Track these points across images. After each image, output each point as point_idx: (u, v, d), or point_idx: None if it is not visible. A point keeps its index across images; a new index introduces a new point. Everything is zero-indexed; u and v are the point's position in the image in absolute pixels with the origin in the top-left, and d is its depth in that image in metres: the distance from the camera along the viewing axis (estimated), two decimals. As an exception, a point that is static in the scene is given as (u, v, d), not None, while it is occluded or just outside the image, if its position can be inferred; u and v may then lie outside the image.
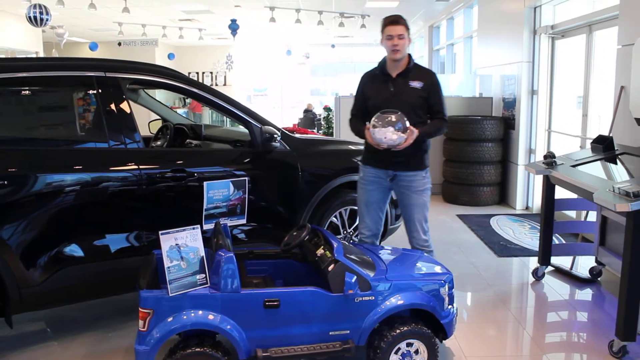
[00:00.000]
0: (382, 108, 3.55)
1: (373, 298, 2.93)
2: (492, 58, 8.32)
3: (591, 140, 4.60)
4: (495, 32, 8.22)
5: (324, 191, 4.27)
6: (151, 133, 5.54)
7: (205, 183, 3.56)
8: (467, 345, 3.54)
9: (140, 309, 2.72)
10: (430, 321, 3.08)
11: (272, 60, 20.18)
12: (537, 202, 7.20)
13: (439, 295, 3.08)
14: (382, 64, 3.80)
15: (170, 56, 18.35)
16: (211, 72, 20.10)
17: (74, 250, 3.44)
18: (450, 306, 3.19)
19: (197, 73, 20.00)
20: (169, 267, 2.69)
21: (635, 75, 4.35)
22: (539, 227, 6.36)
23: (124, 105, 3.63)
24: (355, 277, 2.87)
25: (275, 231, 4.10)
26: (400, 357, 2.98)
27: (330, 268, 2.91)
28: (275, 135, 3.96)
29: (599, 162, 4.31)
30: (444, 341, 3.25)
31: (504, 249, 5.61)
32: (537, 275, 4.71)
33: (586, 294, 4.56)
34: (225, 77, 20.13)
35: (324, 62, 20.99)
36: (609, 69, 5.85)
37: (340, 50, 20.10)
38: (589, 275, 4.71)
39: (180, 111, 14.17)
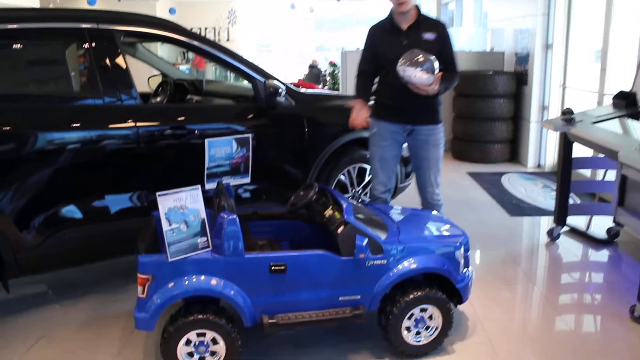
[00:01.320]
0: (397, 62, 3.33)
1: (385, 262, 2.77)
2: (504, 11, 7.99)
3: (612, 97, 4.37)
4: (509, -17, 7.86)
5: (332, 148, 4.08)
6: (151, 89, 5.32)
7: (206, 140, 3.39)
8: (481, 308, 3.41)
9: (138, 275, 2.57)
10: (445, 285, 2.93)
11: (276, 15, 19.68)
12: (549, 160, 7.01)
13: (454, 258, 2.92)
14: (390, 17, 3.62)
15: (172, 11, 17.87)
16: (214, 28, 19.63)
17: (71, 211, 3.29)
18: (465, 269, 3.03)
19: (200, 29, 19.52)
20: (167, 231, 2.52)
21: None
22: (551, 186, 6.24)
23: (119, 60, 3.41)
24: (366, 239, 2.70)
25: (280, 191, 3.94)
26: (414, 323, 2.84)
27: (339, 230, 2.75)
28: (279, 90, 3.75)
29: (620, 119, 4.10)
30: (458, 305, 3.11)
31: (517, 208, 5.44)
32: (552, 235, 4.55)
33: (603, 255, 4.40)
34: (228, 32, 19.65)
35: (329, 16, 20.47)
36: (631, 20, 5.57)
37: (346, 5, 19.57)
38: (605, 236, 4.55)
39: (183, 68, 13.87)
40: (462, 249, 2.98)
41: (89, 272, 3.91)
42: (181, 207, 2.59)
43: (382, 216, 3.16)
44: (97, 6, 16.45)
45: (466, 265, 3.04)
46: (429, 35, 3.51)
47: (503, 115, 7.25)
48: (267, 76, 3.83)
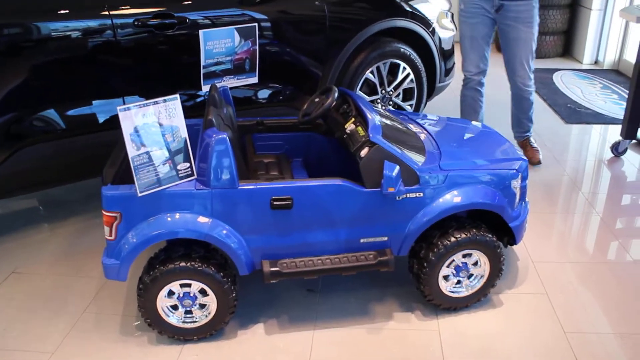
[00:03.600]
0: None
1: (421, 195, 2.14)
2: None
3: None
4: None
5: (358, 40, 3.35)
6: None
7: (201, 32, 2.73)
8: (534, 245, 2.80)
9: (103, 212, 2.00)
10: (495, 222, 2.31)
11: None
12: (609, 56, 6.11)
13: (510, 189, 2.28)
14: None
15: None
16: None
17: (34, 124, 2.70)
18: (521, 203, 2.40)
19: None
20: (134, 157, 1.91)
21: None
22: (612, 87, 5.42)
23: None
24: (397, 167, 2.05)
25: (295, 93, 3.29)
26: (454, 271, 2.26)
27: (363, 153, 2.10)
28: (293, -32, 2.98)
29: None
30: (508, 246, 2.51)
31: (573, 113, 4.68)
32: (618, 150, 3.84)
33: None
34: None
35: None
36: None
37: None
38: (682, 152, 3.83)
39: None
40: (519, 177, 2.33)
41: (76, 186, 3.35)
42: (154, 123, 1.96)
43: (419, 132, 2.49)
44: None
45: (522, 198, 2.41)
46: None
47: (559, 1, 6.27)
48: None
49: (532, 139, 3.77)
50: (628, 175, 3.71)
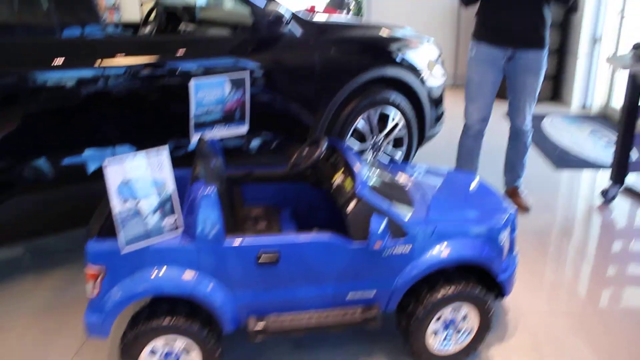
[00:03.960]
0: None
1: (409, 248, 2.13)
2: None
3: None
4: None
5: (348, 89, 3.38)
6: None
7: (192, 81, 2.74)
8: (524, 296, 2.77)
9: (87, 267, 1.97)
10: (484, 274, 2.30)
11: None
12: (597, 102, 6.19)
13: (497, 242, 2.27)
14: None
15: None
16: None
17: (24, 173, 2.69)
18: (510, 255, 2.39)
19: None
20: (120, 213, 1.89)
21: None
22: (600, 131, 5.47)
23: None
24: (384, 221, 2.04)
25: (286, 142, 3.30)
26: (443, 326, 2.23)
27: (349, 208, 2.09)
28: (283, 17, 3.02)
29: None
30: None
31: (562, 158, 4.72)
32: (607, 196, 3.85)
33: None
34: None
35: None
36: None
37: None
38: (671, 198, 3.84)
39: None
40: (508, 229, 2.32)
41: (65, 235, 3.30)
42: (139, 178, 1.95)
43: (407, 182, 2.49)
44: None
45: (511, 249, 2.40)
46: None
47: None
48: (269, 0, 3.10)
49: (522, 187, 3.78)
50: (618, 221, 3.71)
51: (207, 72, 2.97)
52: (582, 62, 6.24)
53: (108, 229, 2.07)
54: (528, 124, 3.58)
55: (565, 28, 6.47)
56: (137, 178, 1.94)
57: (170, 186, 2.01)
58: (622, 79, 5.37)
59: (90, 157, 2.86)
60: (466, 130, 3.61)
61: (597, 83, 6.16)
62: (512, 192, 3.77)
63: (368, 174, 2.28)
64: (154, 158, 1.98)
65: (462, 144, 3.66)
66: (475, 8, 3.46)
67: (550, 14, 3.33)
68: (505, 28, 3.31)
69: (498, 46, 3.36)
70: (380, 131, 3.60)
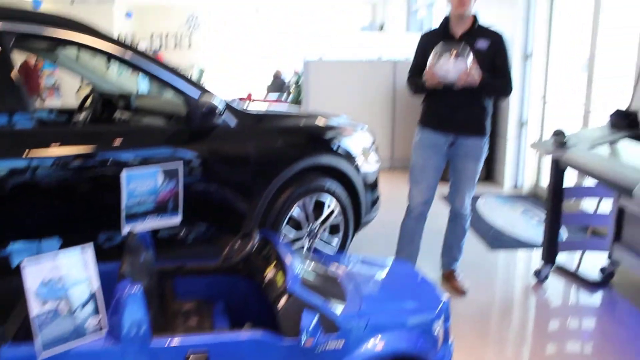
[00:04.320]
0: None
1: (342, 344, 2.09)
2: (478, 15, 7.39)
3: (609, 115, 3.79)
4: (483, -12, 7.29)
5: (283, 178, 3.39)
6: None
7: (124, 172, 2.70)
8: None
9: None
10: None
11: (240, 21, 18.89)
12: (527, 182, 6.46)
13: (431, 332, 2.26)
14: (445, 23, 3.54)
15: (128, 15, 16.98)
16: (175, 34, 18.74)
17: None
18: (445, 344, 2.38)
19: (161, 35, 18.66)
20: (38, 317, 1.80)
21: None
22: (532, 211, 5.67)
23: (7, 68, 2.69)
24: (316, 317, 2.01)
25: (220, 231, 3.26)
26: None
27: (280, 304, 2.06)
28: (216, 109, 3.06)
29: (620, 142, 3.52)
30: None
31: (496, 239, 4.83)
32: (540, 276, 3.93)
33: (596, 298, 3.81)
34: (190, 39, 18.81)
35: (295, 23, 19.74)
36: (621, 28, 5.03)
37: (312, 10, 18.88)
38: (599, 277, 3.95)
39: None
40: (441, 319, 2.32)
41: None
42: (60, 277, 1.87)
43: (340, 274, 2.48)
44: (46, 9, 15.46)
45: (446, 339, 2.39)
46: (482, 44, 3.41)
47: (478, 131, 6.66)
48: (203, 91, 3.14)
49: (458, 270, 3.83)
50: (553, 300, 3.79)
51: (141, 162, 2.94)
52: (512, 145, 6.54)
53: (26, 332, 1.95)
54: (467, 207, 3.69)
55: (495, 112, 6.77)
56: (58, 277, 1.86)
57: (94, 285, 1.93)
58: (548, 160, 5.65)
59: (14, 251, 2.75)
60: (409, 212, 3.68)
61: (527, 164, 6.43)
62: (449, 276, 3.81)
63: (300, 267, 2.26)
64: (78, 256, 1.91)
65: (405, 226, 3.72)
66: (421, 96, 3.63)
67: (490, 103, 3.53)
68: (448, 117, 3.46)
69: (441, 132, 3.50)
70: (316, 219, 3.61)
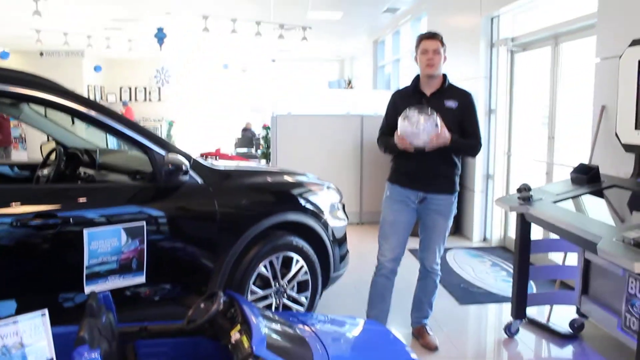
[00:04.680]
0: None
1: (310, 409, 2.02)
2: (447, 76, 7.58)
3: (570, 171, 3.87)
4: (448, 46, 7.49)
5: (250, 235, 3.35)
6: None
7: (85, 231, 2.67)
8: None
9: None
10: None
11: (209, 75, 19.09)
12: (495, 234, 6.51)
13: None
14: (416, 81, 3.60)
15: (97, 69, 16.95)
16: (144, 87, 18.82)
17: None
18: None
19: (130, 88, 18.72)
20: (-15, 387, 1.71)
21: (624, 93, 3.65)
22: (500, 264, 5.69)
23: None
24: (283, 381, 1.95)
25: (186, 290, 3.19)
26: None
27: (246, 367, 1.99)
28: (182, 166, 3.03)
29: (583, 197, 3.59)
30: None
31: (466, 293, 4.82)
32: (511, 331, 3.91)
33: (568, 352, 3.80)
34: (159, 92, 18.89)
35: (264, 77, 20.01)
36: (578, 85, 5.22)
37: (281, 66, 19.23)
38: (569, 330, 3.95)
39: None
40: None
41: None
42: (14, 345, 1.79)
43: (307, 334, 2.43)
44: (16, 62, 15.44)
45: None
46: (451, 103, 3.46)
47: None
48: (169, 148, 3.12)
49: (428, 326, 3.79)
50: (524, 354, 3.77)
51: (105, 220, 2.87)
52: (479, 198, 6.62)
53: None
54: (438, 263, 3.68)
55: (462, 166, 6.88)
56: (11, 345, 1.78)
57: (49, 353, 1.85)
58: (514, 213, 5.73)
59: None
60: (379, 269, 3.63)
61: (494, 216, 6.49)
62: (420, 331, 3.77)
63: (266, 328, 2.21)
64: (31, 322, 1.84)
65: (375, 283, 3.67)
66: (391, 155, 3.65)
67: (459, 161, 3.57)
68: (418, 175, 3.48)
69: (411, 189, 3.51)
70: (284, 276, 3.56)
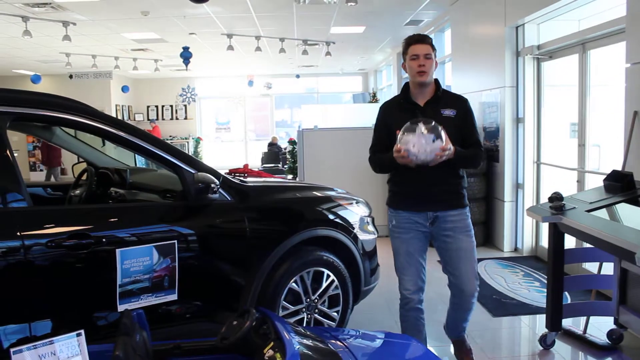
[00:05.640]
0: None
1: None
2: (469, 84, 7.55)
3: (604, 177, 3.80)
4: (472, 56, 7.48)
5: (280, 252, 3.36)
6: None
7: (117, 251, 2.70)
8: None
9: None
10: None
11: (235, 92, 19.31)
12: (526, 243, 6.41)
13: (439, 410, 2.17)
14: (405, 91, 3.26)
15: (124, 89, 17.27)
16: (171, 106, 19.11)
17: None
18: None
19: (157, 106, 19.02)
20: (24, 408, 1.72)
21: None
22: (533, 274, 5.61)
23: (3, 148, 2.70)
24: (318, 399, 1.94)
25: (218, 307, 3.20)
26: None
27: (281, 385, 1.99)
28: (212, 185, 3.05)
29: (618, 205, 3.51)
30: None
31: (499, 305, 4.74)
32: (546, 343, 3.84)
33: (607, 365, 3.71)
34: (186, 110, 19.16)
35: (289, 92, 20.15)
36: (608, 91, 5.14)
37: (306, 81, 19.35)
38: (607, 341, 3.85)
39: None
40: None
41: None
42: (53, 365, 1.81)
43: (340, 349, 2.41)
44: (47, 85, 15.81)
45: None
46: (448, 112, 3.16)
47: (474, 195, 6.67)
48: (199, 167, 3.14)
49: (466, 338, 3.66)
50: (561, 368, 3.69)
51: (137, 239, 2.90)
52: (509, 207, 6.53)
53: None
54: (476, 286, 3.30)
55: (489, 176, 6.84)
56: (50, 365, 1.80)
57: (86, 372, 1.87)
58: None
59: (5, 332, 2.67)
60: (405, 304, 3.28)
61: (525, 225, 6.40)
62: (458, 343, 3.58)
63: (298, 344, 2.20)
64: (68, 342, 1.85)
65: (406, 317, 3.32)
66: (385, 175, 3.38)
67: (464, 172, 3.30)
68: (424, 195, 3.19)
69: (419, 212, 3.21)
70: (315, 291, 3.55)
